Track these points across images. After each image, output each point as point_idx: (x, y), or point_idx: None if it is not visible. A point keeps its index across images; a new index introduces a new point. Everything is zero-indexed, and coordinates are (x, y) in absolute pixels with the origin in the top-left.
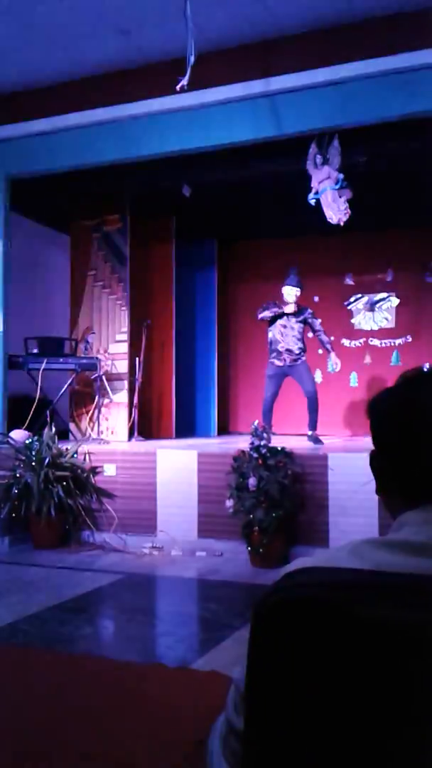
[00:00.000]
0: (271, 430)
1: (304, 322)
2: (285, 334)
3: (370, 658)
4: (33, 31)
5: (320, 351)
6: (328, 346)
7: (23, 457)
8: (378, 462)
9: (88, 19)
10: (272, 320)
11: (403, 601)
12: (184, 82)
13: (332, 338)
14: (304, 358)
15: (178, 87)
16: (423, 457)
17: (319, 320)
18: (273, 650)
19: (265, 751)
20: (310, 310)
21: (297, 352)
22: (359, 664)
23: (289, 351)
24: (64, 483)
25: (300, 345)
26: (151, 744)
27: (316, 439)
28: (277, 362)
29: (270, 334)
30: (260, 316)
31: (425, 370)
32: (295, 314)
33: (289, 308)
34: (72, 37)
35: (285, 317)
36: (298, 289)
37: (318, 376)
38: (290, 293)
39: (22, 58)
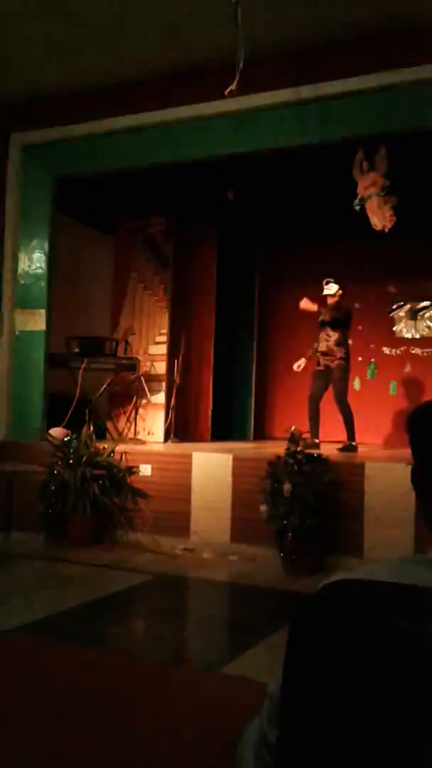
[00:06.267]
0: (317, 430)
1: (339, 322)
2: (319, 335)
3: (409, 673)
4: (83, 34)
5: (360, 358)
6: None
7: (61, 455)
8: (420, 477)
9: (139, 23)
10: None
11: None
12: (233, 86)
13: (372, 346)
14: (339, 363)
15: (226, 92)
16: None
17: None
18: (310, 662)
19: (300, 765)
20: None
21: (330, 354)
22: (398, 679)
23: (323, 353)
24: (100, 481)
25: (334, 347)
26: (176, 745)
27: (348, 448)
28: (317, 365)
29: None
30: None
31: None
32: (329, 314)
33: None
34: (122, 41)
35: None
36: (336, 286)
37: (357, 384)
38: (328, 289)
39: (72, 61)
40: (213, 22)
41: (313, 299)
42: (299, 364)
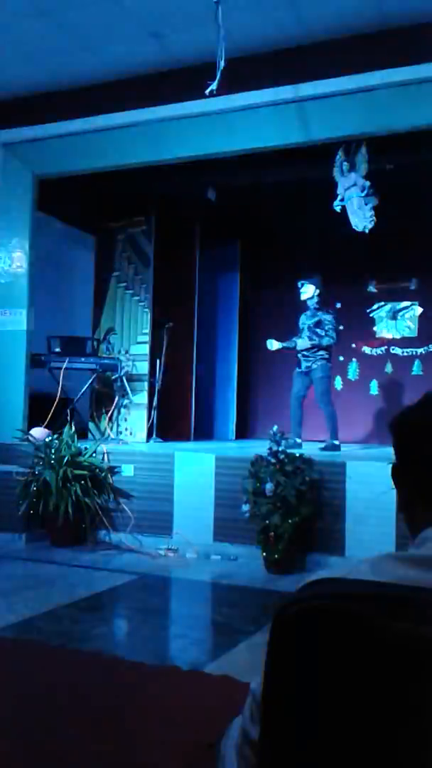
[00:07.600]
0: (300, 430)
1: (318, 323)
2: (299, 336)
3: (390, 671)
4: (65, 32)
5: (341, 357)
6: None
7: (42, 455)
8: (402, 476)
9: (120, 22)
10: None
11: (425, 616)
12: (214, 86)
13: (353, 345)
14: (320, 363)
15: (207, 91)
16: None
17: (329, 318)
18: (291, 660)
19: (281, 761)
20: (326, 314)
21: (308, 354)
22: (379, 676)
23: (305, 354)
24: (82, 482)
25: (312, 348)
26: (159, 745)
27: (330, 447)
28: (299, 366)
29: None
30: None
31: None
32: (307, 315)
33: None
34: (103, 40)
35: (303, 317)
36: (312, 287)
37: (338, 383)
38: (304, 290)
39: (53, 59)
40: (194, 21)
41: (295, 297)
42: (273, 344)
